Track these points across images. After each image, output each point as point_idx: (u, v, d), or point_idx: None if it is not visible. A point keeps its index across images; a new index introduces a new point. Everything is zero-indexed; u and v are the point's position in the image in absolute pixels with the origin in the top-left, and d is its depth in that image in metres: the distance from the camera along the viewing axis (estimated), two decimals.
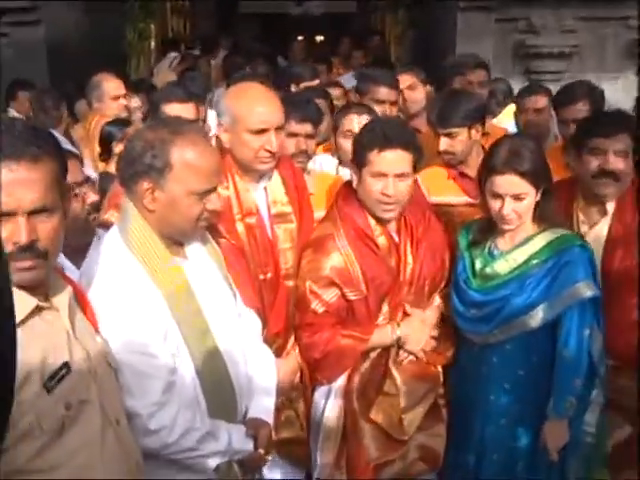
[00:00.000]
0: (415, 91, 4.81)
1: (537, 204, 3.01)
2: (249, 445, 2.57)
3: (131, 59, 9.88)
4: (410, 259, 3.16)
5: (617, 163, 3.24)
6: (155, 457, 2.36)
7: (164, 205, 2.39)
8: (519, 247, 3.06)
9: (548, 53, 7.29)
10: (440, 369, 3.27)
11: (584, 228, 3.36)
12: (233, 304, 2.72)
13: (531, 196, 2.96)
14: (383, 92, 4.50)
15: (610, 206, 3.34)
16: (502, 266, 3.08)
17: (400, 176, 2.99)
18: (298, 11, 19.41)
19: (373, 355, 3.16)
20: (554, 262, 3.00)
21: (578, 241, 3.07)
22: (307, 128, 3.54)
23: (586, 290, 2.97)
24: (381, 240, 3.13)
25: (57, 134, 4.72)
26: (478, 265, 3.14)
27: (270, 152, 2.93)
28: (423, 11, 9.31)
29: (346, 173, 3.71)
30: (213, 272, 2.65)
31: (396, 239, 3.17)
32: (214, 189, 2.42)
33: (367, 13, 14.66)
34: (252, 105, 2.95)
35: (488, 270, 3.10)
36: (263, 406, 2.73)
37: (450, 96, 4.04)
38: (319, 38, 16.40)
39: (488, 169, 3.00)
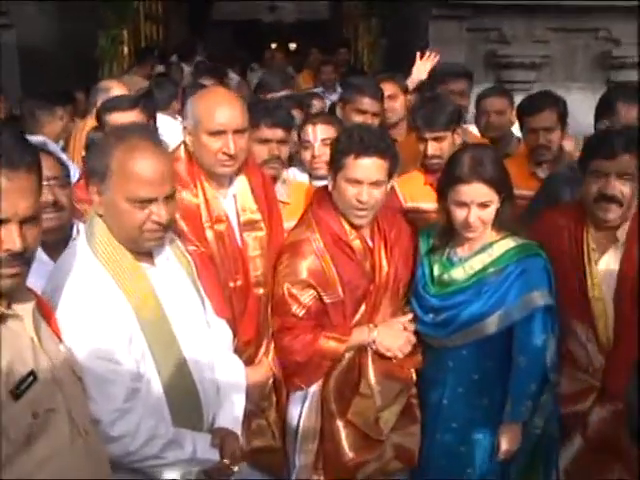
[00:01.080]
0: (396, 101, 4.79)
1: (497, 211, 3.04)
2: (215, 455, 2.56)
3: (104, 65, 9.82)
4: (385, 263, 3.20)
5: (619, 187, 3.03)
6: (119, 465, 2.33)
7: (107, 210, 2.40)
8: (477, 254, 3.10)
9: (519, 63, 7.34)
10: (412, 371, 3.31)
11: (594, 256, 3.16)
12: (201, 312, 2.70)
13: (495, 203, 3.00)
14: (367, 103, 4.48)
15: (621, 233, 3.15)
16: (459, 273, 3.12)
17: (374, 184, 3.02)
18: (271, 18, 19.49)
19: (349, 356, 3.19)
20: (511, 270, 3.03)
21: (536, 250, 3.09)
22: (278, 133, 3.52)
23: (541, 299, 3.02)
24: (356, 244, 3.16)
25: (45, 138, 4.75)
26: (436, 271, 3.18)
27: (228, 155, 2.93)
28: (395, 20, 9.34)
29: (319, 184, 3.69)
30: (181, 280, 2.64)
31: (370, 243, 3.20)
32: (155, 199, 2.37)
33: (340, 21, 14.70)
34: (211, 107, 2.96)
35: (446, 276, 3.15)
36: (231, 416, 2.72)
37: (433, 100, 4.08)
38: (292, 46, 16.43)
39: (452, 179, 3.01)
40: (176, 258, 2.65)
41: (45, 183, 2.73)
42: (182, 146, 3.09)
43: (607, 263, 3.15)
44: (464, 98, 5.20)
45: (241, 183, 3.11)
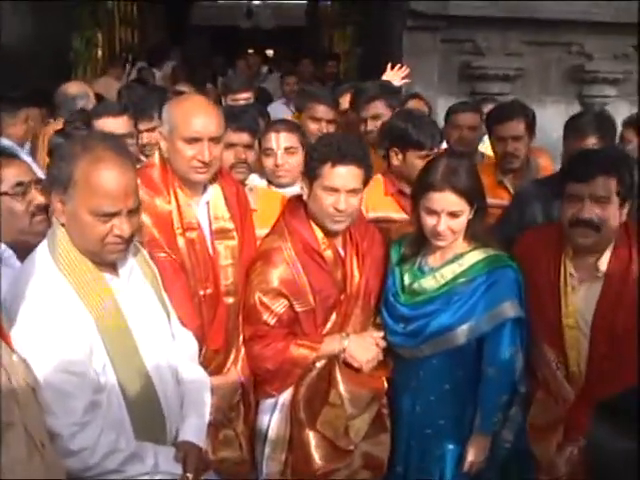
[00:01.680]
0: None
1: (469, 222, 3.04)
2: (177, 468, 2.51)
3: (77, 67, 9.76)
4: (356, 272, 3.20)
5: (595, 210, 2.89)
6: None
7: (70, 221, 2.37)
8: (448, 264, 3.09)
9: (493, 75, 7.37)
10: (384, 379, 3.31)
11: (572, 282, 3.03)
12: (166, 324, 2.68)
13: (466, 214, 3.00)
14: (321, 110, 4.50)
15: (602, 262, 3.00)
16: (430, 282, 3.11)
17: (352, 191, 3.02)
18: (248, 24, 19.51)
19: (320, 365, 3.18)
20: (481, 281, 3.03)
21: (507, 262, 3.09)
22: (244, 138, 3.53)
23: (511, 310, 3.01)
24: (327, 254, 3.16)
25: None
26: (407, 280, 3.17)
27: (202, 162, 2.92)
28: (371, 29, 9.37)
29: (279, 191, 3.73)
30: (146, 291, 2.61)
31: (342, 253, 3.20)
32: (119, 213, 2.34)
33: (316, 28, 14.74)
34: (187, 114, 2.95)
35: (416, 286, 3.13)
36: (194, 429, 2.67)
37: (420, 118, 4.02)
38: (269, 52, 16.44)
39: (425, 186, 3.01)
40: (140, 269, 2.62)
41: (34, 187, 2.74)
42: (156, 152, 3.08)
43: (586, 293, 3.02)
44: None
45: (214, 191, 3.10)
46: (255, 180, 3.72)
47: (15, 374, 2.00)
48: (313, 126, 4.35)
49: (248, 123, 3.59)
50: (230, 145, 3.44)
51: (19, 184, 2.65)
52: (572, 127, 3.94)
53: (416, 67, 6.86)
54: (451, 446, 3.21)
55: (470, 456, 3.13)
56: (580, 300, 3.01)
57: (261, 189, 3.70)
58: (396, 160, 3.82)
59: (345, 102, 4.84)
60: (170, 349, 2.66)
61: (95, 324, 2.35)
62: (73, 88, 5.63)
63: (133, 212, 2.39)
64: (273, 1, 20.36)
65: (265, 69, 10.99)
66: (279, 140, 3.73)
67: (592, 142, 3.72)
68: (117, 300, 2.44)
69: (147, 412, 2.50)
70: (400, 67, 5.36)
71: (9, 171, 2.64)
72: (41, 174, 3.86)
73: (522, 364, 3.10)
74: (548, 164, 4.63)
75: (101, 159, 2.32)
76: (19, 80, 6.64)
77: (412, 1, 7.10)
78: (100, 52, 10.45)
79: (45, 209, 2.75)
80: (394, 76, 5.25)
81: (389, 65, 5.40)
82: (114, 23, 11.42)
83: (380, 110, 4.39)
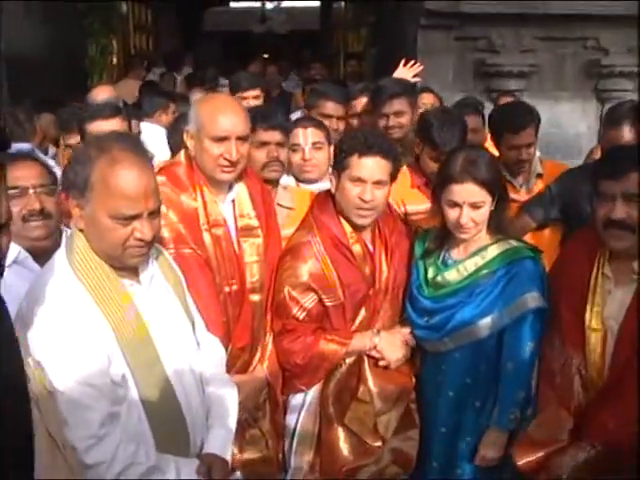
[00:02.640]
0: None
1: (491, 214, 3.05)
2: None
3: (92, 75, 9.83)
4: (385, 267, 3.23)
5: (627, 210, 2.70)
6: None
7: (88, 226, 2.31)
8: (471, 257, 3.10)
9: (508, 72, 7.35)
10: (412, 375, 3.32)
11: (609, 284, 2.85)
12: (190, 332, 2.62)
13: (487, 205, 3.01)
14: (330, 107, 4.53)
15: (637, 264, 2.79)
16: (453, 275, 3.11)
17: (378, 183, 3.05)
18: (262, 29, 19.55)
19: (349, 361, 3.20)
20: (504, 273, 3.03)
21: (530, 253, 3.09)
22: (276, 136, 3.50)
23: (534, 302, 2.99)
24: (356, 248, 3.18)
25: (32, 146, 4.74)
26: (430, 273, 3.18)
27: (229, 161, 2.93)
28: (384, 29, 9.38)
29: (306, 188, 3.73)
30: (168, 297, 2.56)
31: (370, 248, 3.22)
32: (139, 216, 2.28)
33: (330, 31, 14.75)
34: (215, 113, 2.96)
35: (439, 278, 3.14)
36: (219, 440, 2.60)
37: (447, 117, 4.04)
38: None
39: (445, 178, 3.03)
40: (163, 275, 2.57)
41: (32, 191, 2.73)
42: (183, 150, 3.10)
43: (622, 296, 2.82)
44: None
45: (240, 189, 3.12)
46: (283, 179, 3.71)
47: (32, 378, 1.98)
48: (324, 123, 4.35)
49: (279, 121, 3.58)
50: (262, 144, 3.44)
51: (14, 187, 2.62)
52: (608, 117, 3.93)
53: (431, 66, 6.86)
54: (469, 439, 3.20)
55: (483, 450, 3.13)
56: (615, 303, 2.83)
57: (294, 188, 3.72)
58: (417, 151, 3.90)
59: (358, 105, 4.82)
60: (194, 357, 2.60)
61: (114, 333, 2.29)
62: (103, 94, 5.65)
63: (154, 214, 2.34)
64: (286, 5, 20.42)
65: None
66: (307, 135, 3.76)
67: (627, 132, 3.69)
68: (137, 307, 2.37)
69: (169, 423, 2.43)
70: (413, 64, 5.34)
71: (8, 174, 2.63)
72: None
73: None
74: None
75: (118, 160, 2.26)
76: (35, 89, 6.70)
77: (426, 0, 7.10)
78: (115, 59, 10.50)
79: (42, 214, 2.74)
80: (406, 73, 5.25)
81: (402, 62, 5.38)
82: (128, 30, 11.49)
83: (404, 107, 4.40)
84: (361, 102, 4.83)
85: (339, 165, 3.12)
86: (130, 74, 9.34)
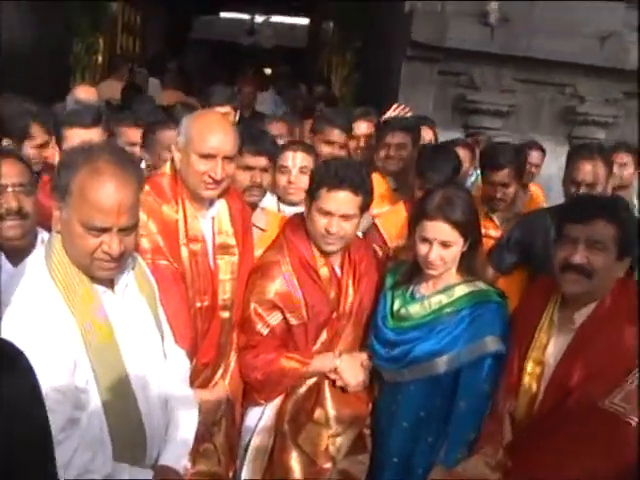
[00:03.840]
0: (370, 139, 4.87)
1: (464, 255, 3.10)
2: None
3: (76, 72, 9.80)
4: (350, 292, 3.29)
5: (587, 255, 2.68)
6: None
7: (64, 230, 2.32)
8: (437, 294, 3.14)
9: (486, 110, 7.48)
10: (368, 400, 3.38)
11: (553, 331, 2.86)
12: (158, 343, 2.63)
13: (458, 245, 3.04)
14: (335, 134, 4.58)
15: (579, 315, 2.79)
16: (417, 309, 3.15)
17: (344, 217, 3.11)
18: (249, 41, 19.58)
19: (309, 383, 3.27)
20: (467, 313, 3.06)
21: (496, 297, 3.13)
22: (261, 162, 3.55)
23: (493, 345, 3.02)
24: (323, 271, 3.26)
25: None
26: (396, 305, 3.22)
27: (214, 179, 2.95)
28: (370, 55, 9.49)
29: (288, 210, 3.79)
30: (140, 308, 2.56)
31: (338, 273, 3.29)
32: (109, 229, 2.27)
33: (317, 51, 14.84)
34: (205, 130, 2.98)
35: (403, 311, 3.18)
36: (175, 453, 2.61)
37: (437, 151, 4.20)
38: (268, 70, 16.52)
39: (420, 213, 3.07)
40: (137, 285, 2.57)
41: (10, 189, 2.69)
42: (169, 162, 3.11)
43: (560, 343, 2.83)
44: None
45: (221, 207, 3.15)
46: (266, 198, 3.75)
47: None
48: (326, 149, 4.42)
49: (266, 147, 3.61)
50: (247, 168, 3.49)
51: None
52: (579, 152, 4.07)
53: (413, 96, 7.00)
54: (419, 472, 3.18)
55: None
56: (554, 349, 2.84)
57: (270, 211, 3.75)
58: (415, 186, 3.97)
59: (357, 128, 4.89)
60: (160, 369, 2.61)
61: (82, 338, 2.29)
62: (84, 94, 5.63)
63: (127, 230, 2.32)
64: (276, 20, 20.50)
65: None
66: (296, 159, 3.82)
67: (589, 168, 3.86)
68: (108, 315, 2.38)
69: (128, 432, 2.43)
70: (403, 108, 5.44)
71: None
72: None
73: None
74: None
75: (100, 171, 2.26)
76: (15, 83, 6.69)
77: (413, 31, 7.21)
78: (100, 58, 10.48)
79: (19, 214, 2.71)
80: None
81: (394, 106, 5.48)
82: (116, 30, 11.48)
83: (407, 141, 4.51)
84: (359, 126, 4.92)
85: (311, 193, 3.18)
86: (113, 75, 9.33)
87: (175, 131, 3.55)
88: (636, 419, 2.56)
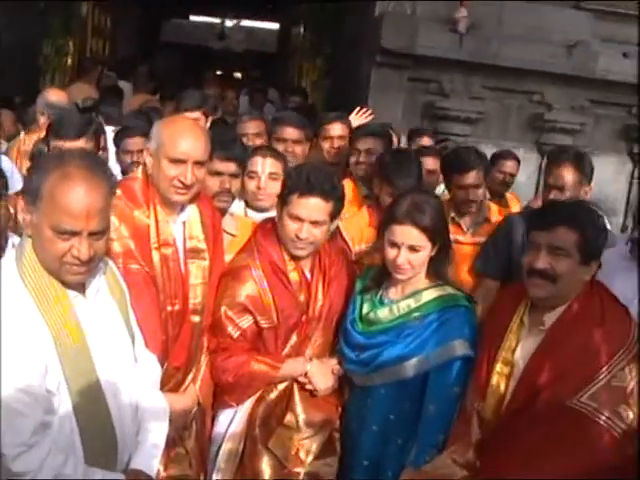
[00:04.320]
0: (343, 141, 4.91)
1: (432, 260, 3.13)
2: None
3: (45, 74, 9.74)
4: (320, 296, 3.31)
5: (550, 261, 2.76)
6: None
7: (34, 233, 2.32)
8: (406, 298, 3.17)
9: (455, 116, 7.55)
10: (338, 404, 3.40)
11: (521, 332, 2.91)
12: (129, 348, 2.63)
13: (426, 250, 3.08)
14: (286, 132, 4.63)
15: (548, 317, 2.86)
16: (385, 313, 3.18)
17: (315, 223, 3.14)
18: (220, 46, 19.55)
19: (280, 388, 3.28)
20: (435, 317, 3.09)
21: (465, 302, 3.17)
22: (231, 167, 3.55)
23: (461, 349, 3.05)
24: (293, 275, 3.28)
25: None
26: (365, 309, 3.24)
27: (184, 184, 2.96)
28: (340, 61, 9.52)
29: (255, 215, 3.79)
30: (111, 312, 2.57)
31: (308, 277, 3.31)
32: (79, 233, 2.27)
33: (287, 56, 14.86)
34: (176, 135, 2.98)
35: (372, 315, 3.21)
36: (147, 457, 2.63)
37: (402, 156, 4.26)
38: (237, 75, 16.54)
39: (389, 218, 3.10)
40: (109, 289, 2.58)
41: None
42: (141, 166, 3.12)
43: (529, 345, 2.88)
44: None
45: (192, 211, 3.15)
46: (234, 203, 3.75)
47: None
48: (280, 147, 4.43)
49: (236, 153, 3.61)
50: (216, 173, 3.49)
51: None
52: (556, 157, 4.15)
53: (382, 102, 7.05)
54: (389, 475, 3.22)
55: None
56: (523, 351, 2.89)
57: (239, 217, 3.76)
58: (377, 190, 4.02)
59: (331, 129, 4.94)
60: (131, 373, 2.61)
61: (53, 342, 2.29)
62: (55, 96, 5.61)
63: (96, 235, 2.32)
64: (246, 24, 20.49)
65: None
66: (265, 164, 3.80)
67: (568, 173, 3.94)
68: (79, 319, 2.38)
69: (99, 436, 2.44)
70: (365, 111, 5.50)
71: None
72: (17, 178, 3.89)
73: None
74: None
75: (70, 176, 2.27)
76: None
77: (383, 38, 7.26)
78: (70, 61, 10.42)
79: None
80: (359, 120, 5.42)
81: (357, 109, 5.52)
82: (86, 33, 11.41)
83: (377, 146, 4.54)
84: (333, 127, 4.95)
85: (283, 199, 3.20)
86: (83, 78, 9.28)
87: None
88: (604, 418, 2.62)
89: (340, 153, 4.90)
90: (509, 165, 5.86)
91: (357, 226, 3.99)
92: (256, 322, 3.22)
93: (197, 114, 5.24)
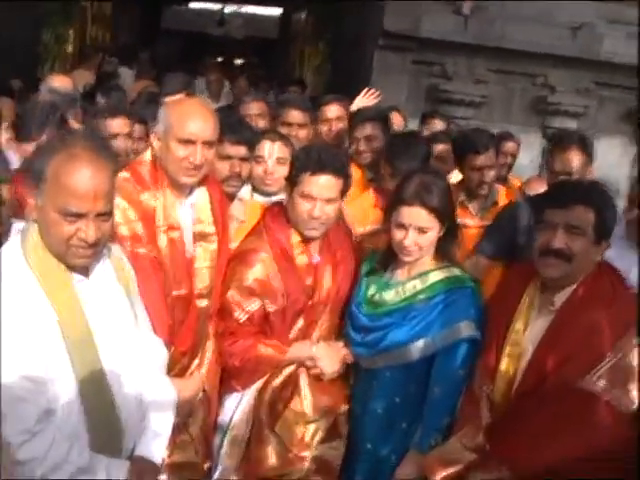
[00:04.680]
0: (341, 123, 4.87)
1: (440, 241, 3.12)
2: None
3: (45, 62, 9.71)
4: (328, 280, 3.30)
5: (566, 240, 2.73)
6: None
7: (39, 217, 2.31)
8: (411, 280, 3.16)
9: (459, 100, 7.52)
10: (344, 387, 3.40)
11: (530, 313, 2.90)
12: (133, 333, 2.59)
13: (434, 231, 3.06)
14: (291, 115, 4.59)
15: (559, 297, 2.84)
16: (391, 295, 3.17)
17: (328, 200, 3.12)
18: (219, 32, 19.49)
19: (286, 372, 3.27)
20: (441, 299, 3.08)
21: (470, 283, 3.16)
22: (241, 151, 3.53)
23: (467, 330, 3.04)
24: (301, 259, 3.26)
25: None
26: (371, 291, 3.24)
27: (193, 164, 2.95)
28: (342, 45, 9.49)
29: (261, 200, 3.74)
30: (116, 297, 2.53)
31: (317, 259, 3.30)
32: (85, 215, 2.26)
33: (288, 41, 14.81)
34: (184, 116, 2.98)
35: (377, 297, 3.20)
36: (152, 444, 2.60)
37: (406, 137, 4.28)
38: (238, 61, 16.47)
39: (397, 199, 3.09)
40: (115, 274, 2.55)
41: None
42: (148, 150, 3.11)
43: (539, 326, 2.87)
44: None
45: (201, 194, 3.14)
46: (242, 189, 3.72)
47: None
48: (284, 130, 4.37)
49: (246, 136, 3.59)
50: (226, 157, 3.48)
51: None
52: (559, 141, 4.15)
53: (385, 86, 6.97)
54: (393, 459, 3.23)
55: (401, 470, 3.14)
56: (533, 332, 2.87)
57: (247, 201, 3.73)
58: (383, 172, 3.99)
59: (328, 111, 4.90)
60: (136, 358, 2.58)
61: (59, 327, 2.28)
62: (60, 82, 5.58)
63: (103, 216, 2.31)
64: (246, 11, 20.40)
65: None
66: (273, 150, 3.75)
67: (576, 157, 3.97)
68: (83, 304, 2.36)
69: (104, 423, 2.41)
70: (372, 92, 5.43)
71: None
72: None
73: None
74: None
75: (75, 157, 2.25)
76: None
77: (386, 21, 7.22)
78: (70, 48, 10.38)
79: None
80: (365, 102, 5.35)
81: (364, 91, 5.46)
82: (86, 20, 11.38)
83: (376, 132, 4.48)
84: (330, 109, 4.91)
85: (292, 179, 3.18)
86: (84, 65, 9.25)
87: None
88: (613, 397, 2.63)
89: (339, 136, 4.86)
90: (509, 146, 5.81)
91: (361, 208, 3.97)
92: (263, 306, 3.20)
93: (180, 97, 5.16)
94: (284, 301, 3.20)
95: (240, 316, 3.19)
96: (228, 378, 3.31)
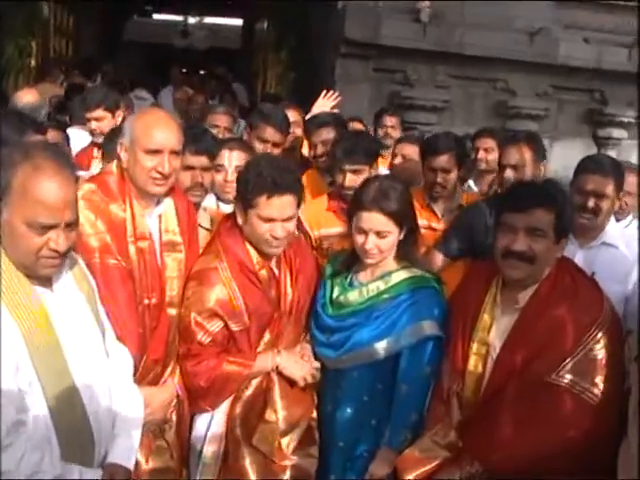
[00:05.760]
0: (297, 128, 4.97)
1: (400, 243, 3.18)
2: None
3: (8, 75, 9.65)
4: (289, 290, 3.29)
5: (528, 243, 2.80)
6: None
7: (4, 230, 2.28)
8: (375, 281, 3.21)
9: (421, 106, 7.62)
10: (314, 393, 3.41)
11: (495, 311, 2.97)
12: (100, 341, 2.62)
13: (394, 234, 3.13)
14: (269, 132, 4.54)
15: (523, 295, 2.91)
16: (354, 296, 3.23)
17: (287, 219, 3.10)
18: (183, 43, 19.47)
19: (255, 383, 3.25)
20: (404, 299, 3.14)
21: (433, 283, 3.23)
22: (202, 161, 3.56)
23: (430, 329, 3.10)
24: (262, 273, 3.22)
25: None
26: (335, 292, 3.29)
27: (162, 174, 2.97)
28: (304, 54, 9.54)
29: (227, 208, 3.78)
30: (80, 307, 2.54)
31: (276, 272, 3.28)
32: (56, 226, 2.27)
33: (251, 51, 14.85)
34: (150, 126, 2.99)
35: (342, 298, 3.25)
36: (124, 450, 2.62)
37: (355, 135, 4.32)
38: (202, 72, 16.49)
39: (356, 205, 3.15)
40: (76, 283, 2.56)
41: None
42: (115, 161, 3.11)
43: (504, 324, 2.94)
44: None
45: (167, 205, 3.15)
46: (206, 199, 3.75)
47: None
48: (259, 146, 4.41)
49: (207, 146, 3.62)
50: (188, 167, 3.49)
51: None
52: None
53: (348, 93, 7.04)
54: (365, 456, 3.26)
55: (372, 468, 3.18)
56: (499, 330, 2.94)
57: (212, 210, 3.76)
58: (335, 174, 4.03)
59: (291, 116, 4.92)
60: (103, 367, 2.60)
61: (23, 339, 2.26)
62: (27, 97, 5.56)
63: (71, 226, 2.33)
64: (209, 22, 20.41)
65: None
66: (231, 158, 3.82)
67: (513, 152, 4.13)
68: (48, 315, 2.36)
69: (75, 432, 2.42)
70: (332, 94, 5.50)
71: None
72: None
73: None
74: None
75: (41, 168, 2.25)
76: None
77: (346, 29, 7.29)
78: (33, 61, 10.33)
79: None
80: (326, 104, 5.41)
81: (324, 92, 5.53)
82: (49, 33, 11.33)
83: (331, 136, 4.52)
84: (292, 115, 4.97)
85: (246, 202, 3.10)
86: (48, 78, 9.22)
87: None
88: (582, 389, 2.71)
89: (294, 141, 4.94)
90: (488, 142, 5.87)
91: (315, 212, 4.02)
92: (226, 325, 3.14)
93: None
94: (249, 318, 3.16)
95: (203, 338, 3.13)
96: (195, 399, 3.24)
